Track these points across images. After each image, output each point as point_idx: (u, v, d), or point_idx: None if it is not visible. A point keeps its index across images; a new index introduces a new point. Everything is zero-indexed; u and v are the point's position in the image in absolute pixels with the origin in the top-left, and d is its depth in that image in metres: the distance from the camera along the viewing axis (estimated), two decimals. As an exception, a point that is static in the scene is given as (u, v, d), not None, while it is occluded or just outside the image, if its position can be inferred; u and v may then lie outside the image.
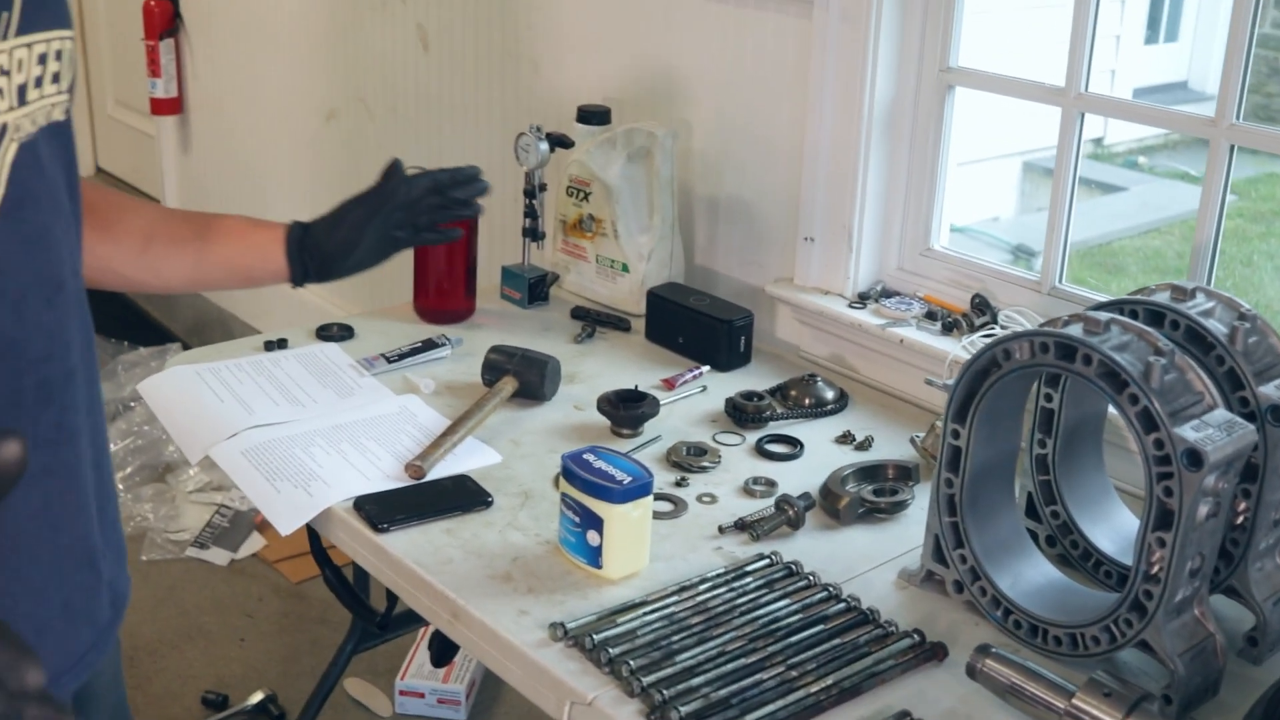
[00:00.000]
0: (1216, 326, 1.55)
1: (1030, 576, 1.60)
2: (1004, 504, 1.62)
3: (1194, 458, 1.37)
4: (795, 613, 1.57)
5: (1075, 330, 1.48)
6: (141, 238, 1.62)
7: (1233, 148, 1.94)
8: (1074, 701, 1.36)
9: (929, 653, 1.51)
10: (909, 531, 1.75)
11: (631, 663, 1.45)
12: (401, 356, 2.20)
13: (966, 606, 1.60)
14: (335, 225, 1.84)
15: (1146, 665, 1.48)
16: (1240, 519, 1.54)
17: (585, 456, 1.65)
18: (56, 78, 1.15)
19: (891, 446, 1.98)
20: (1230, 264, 5.64)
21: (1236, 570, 1.55)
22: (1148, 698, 1.35)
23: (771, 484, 1.85)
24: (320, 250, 1.81)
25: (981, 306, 2.14)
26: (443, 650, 2.55)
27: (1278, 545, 1.58)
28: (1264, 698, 1.33)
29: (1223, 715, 1.40)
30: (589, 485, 1.62)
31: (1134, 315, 1.57)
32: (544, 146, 2.40)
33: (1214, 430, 1.40)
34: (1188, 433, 1.38)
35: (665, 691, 1.41)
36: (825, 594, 1.61)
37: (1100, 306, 1.59)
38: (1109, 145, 6.85)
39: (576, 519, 1.63)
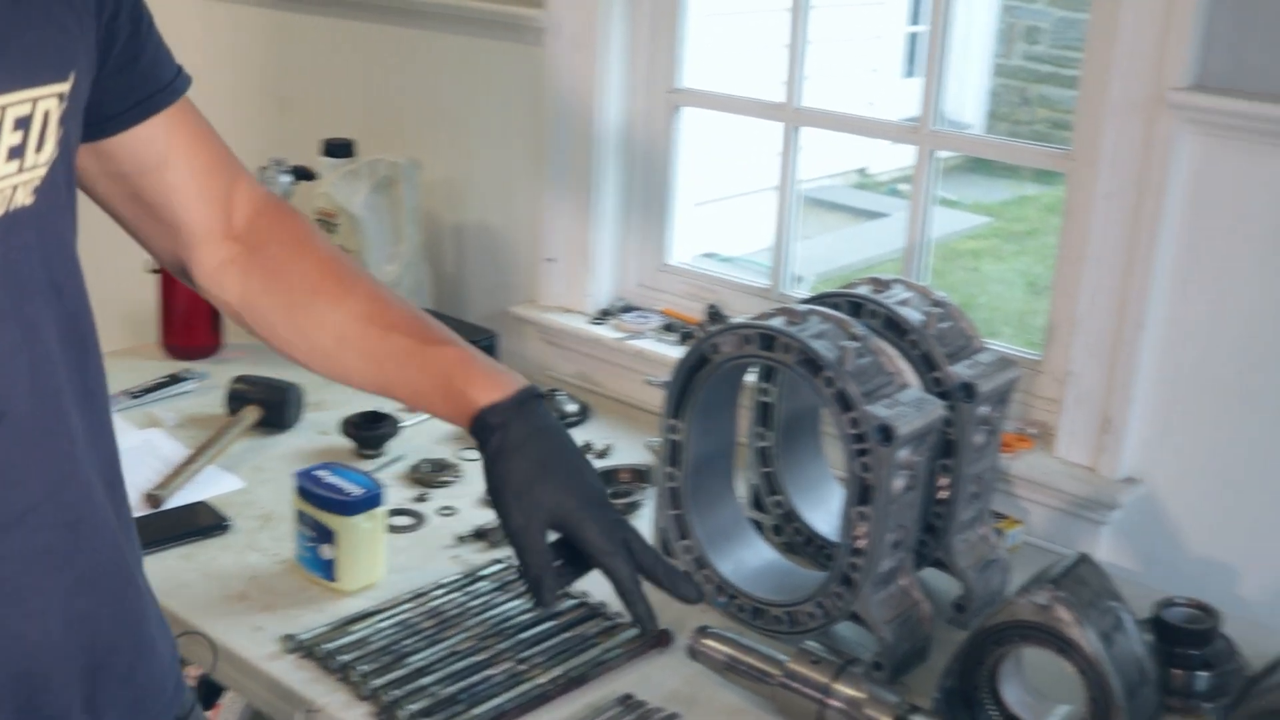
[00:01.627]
0: (911, 314, 1.64)
1: (751, 561, 1.66)
2: (725, 494, 1.69)
3: (886, 433, 1.45)
4: (527, 611, 1.61)
5: (777, 322, 1.55)
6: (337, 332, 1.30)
7: (932, 153, 2.04)
8: (786, 669, 1.43)
9: (654, 640, 1.56)
10: (641, 530, 1.79)
11: (362, 668, 1.48)
12: (145, 392, 2.19)
13: (694, 595, 1.66)
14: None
15: (861, 636, 1.55)
16: (942, 494, 1.63)
17: (317, 473, 1.67)
18: (18, 151, 0.98)
19: (630, 453, 2.04)
20: (984, 281, 5.89)
21: (942, 542, 1.64)
22: (854, 662, 1.42)
23: (510, 493, 1.88)
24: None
25: (715, 315, 2.21)
26: (209, 692, 2.52)
27: (979, 517, 1.68)
28: (958, 654, 1.41)
29: (933, 678, 1.47)
30: (321, 499, 1.64)
31: (837, 307, 1.65)
32: (286, 179, 2.42)
33: (905, 407, 1.49)
34: (880, 410, 1.47)
35: (394, 692, 1.44)
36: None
37: (808, 301, 1.67)
38: (873, 174, 7.11)
39: (311, 534, 1.65)
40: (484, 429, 1.25)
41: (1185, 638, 1.54)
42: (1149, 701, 1.38)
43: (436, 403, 1.29)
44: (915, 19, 7.95)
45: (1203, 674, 1.52)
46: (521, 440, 1.25)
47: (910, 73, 7.65)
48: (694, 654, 1.50)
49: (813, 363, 1.50)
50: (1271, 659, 1.32)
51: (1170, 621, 1.55)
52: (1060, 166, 1.92)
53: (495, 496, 1.26)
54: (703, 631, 1.50)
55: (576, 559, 1.26)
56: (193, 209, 1.27)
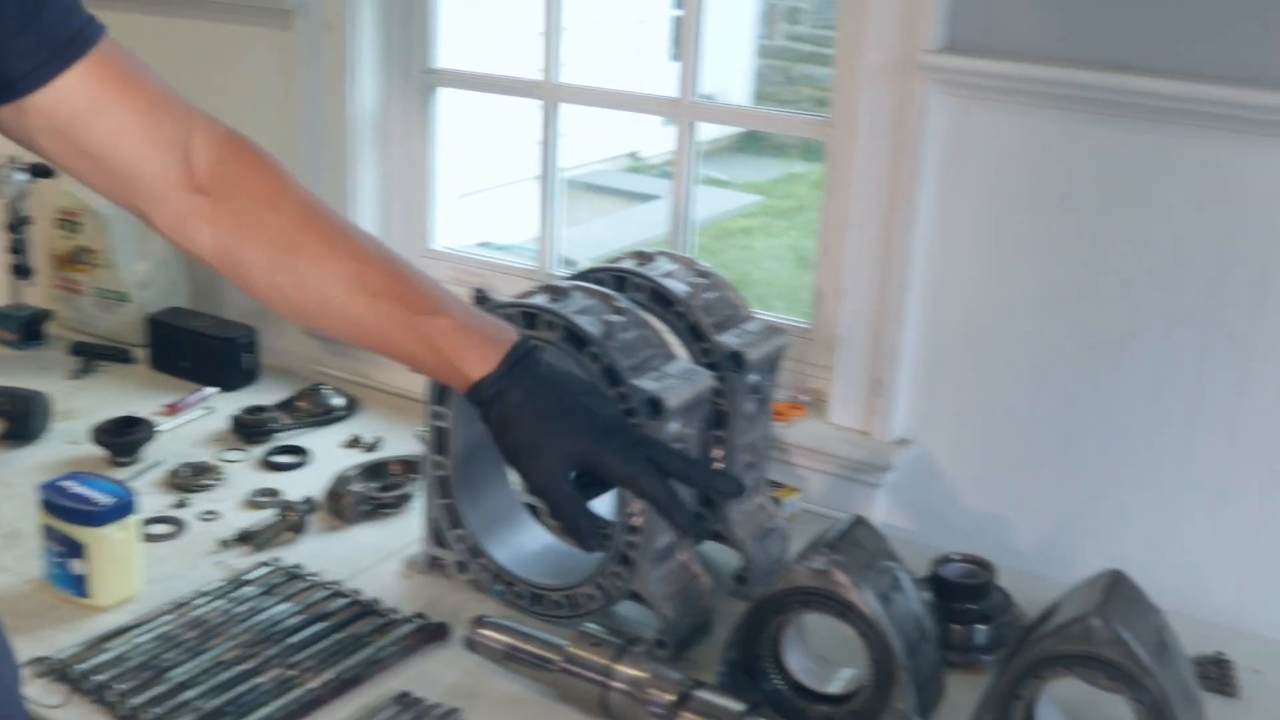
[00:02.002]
0: (677, 285, 1.61)
1: (528, 546, 1.62)
2: (496, 480, 1.64)
3: (655, 406, 1.42)
4: (296, 614, 1.54)
5: (539, 299, 1.51)
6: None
7: (693, 125, 2.02)
8: (567, 654, 1.39)
9: (431, 633, 1.51)
10: (415, 522, 1.74)
11: (119, 687, 1.39)
12: (-126, 411, 2.04)
13: (472, 585, 1.61)
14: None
15: (643, 615, 1.52)
16: (717, 465, 1.61)
17: (62, 483, 1.57)
18: None
19: (402, 444, 1.98)
20: (757, 257, 5.96)
21: (720, 514, 1.62)
22: (636, 641, 1.39)
23: (274, 494, 1.81)
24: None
25: (482, 298, 2.16)
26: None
27: (756, 487, 1.66)
28: (739, 625, 1.39)
29: (717, 652, 1.45)
30: (67, 511, 1.54)
31: (601, 283, 1.61)
32: (22, 178, 2.28)
33: (674, 379, 1.46)
34: (648, 384, 1.44)
35: (154, 710, 1.36)
36: (328, 592, 1.59)
37: (572, 277, 1.64)
38: (644, 158, 7.13)
39: (59, 549, 1.55)
40: (480, 403, 1.25)
41: (962, 593, 1.55)
42: (930, 658, 1.38)
43: (428, 370, 1.30)
44: (679, 3, 7.98)
45: (981, 627, 1.53)
46: (520, 402, 1.24)
47: (676, 55, 7.67)
48: (471, 645, 1.45)
49: (577, 338, 1.46)
50: (1045, 607, 1.33)
51: (947, 577, 1.56)
52: (821, 134, 1.92)
53: (512, 463, 1.26)
54: (480, 621, 1.45)
55: (602, 485, 1.27)
56: (145, 156, 1.18)
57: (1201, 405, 1.67)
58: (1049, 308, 1.72)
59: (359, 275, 1.23)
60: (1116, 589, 1.29)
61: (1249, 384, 1.64)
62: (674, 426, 1.45)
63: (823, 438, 1.86)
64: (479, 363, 1.24)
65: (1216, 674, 1.50)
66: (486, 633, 1.44)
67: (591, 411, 1.26)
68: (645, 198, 6.48)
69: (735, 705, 1.31)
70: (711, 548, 1.65)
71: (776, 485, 1.82)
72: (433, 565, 1.64)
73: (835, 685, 1.40)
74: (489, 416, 1.26)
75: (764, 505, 1.67)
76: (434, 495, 1.61)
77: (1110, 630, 1.23)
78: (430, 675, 1.46)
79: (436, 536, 1.62)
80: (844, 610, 1.33)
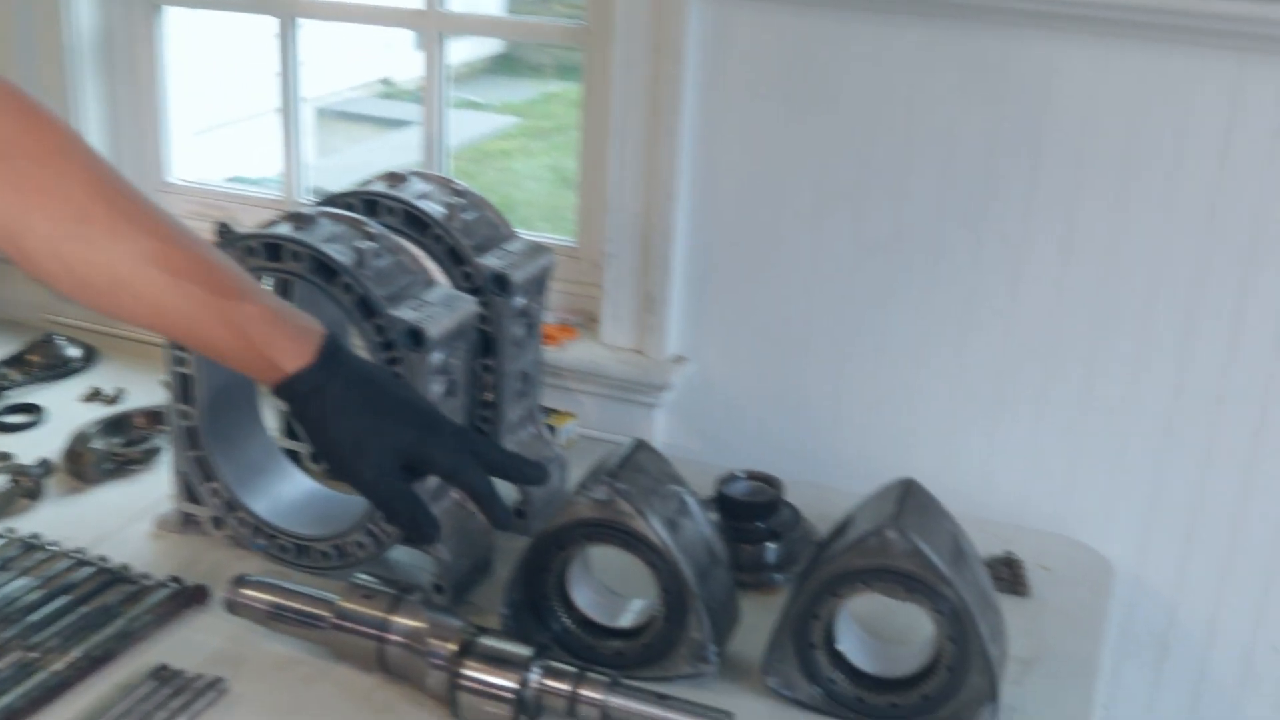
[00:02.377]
0: (433, 207, 1.51)
1: (289, 495, 1.51)
2: (250, 427, 1.52)
3: (415, 337, 1.32)
4: (36, 589, 1.40)
5: (283, 228, 1.40)
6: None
7: (441, 35, 1.91)
8: (338, 609, 1.29)
9: (188, 598, 1.39)
10: (164, 478, 1.61)
11: None
12: None
13: (230, 542, 1.50)
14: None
15: (418, 560, 1.43)
16: (487, 395, 1.53)
17: None
18: None
19: (146, 394, 1.83)
20: (518, 179, 5.85)
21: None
22: (411, 589, 1.30)
23: (5, 458, 1.65)
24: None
25: (225, 232, 2.02)
26: None
27: (529, 416, 1.58)
28: (521, 563, 1.31)
29: (496, 592, 1.37)
30: None
31: (351, 208, 1.50)
32: None
33: (434, 307, 1.36)
34: (406, 313, 1.34)
35: (-126, 709, 1.21)
36: (70, 562, 1.45)
37: (319, 204, 1.52)
38: (397, 83, 6.92)
39: None
40: (295, 397, 1.19)
41: (750, 511, 1.50)
42: (723, 582, 1.32)
43: (234, 360, 1.18)
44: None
45: (771, 545, 1.49)
46: (340, 397, 1.18)
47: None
48: (233, 607, 1.34)
49: (326, 269, 1.35)
50: (838, 521, 1.28)
51: (733, 496, 1.51)
52: (577, 41, 1.82)
53: (332, 461, 1.22)
54: (240, 581, 1.34)
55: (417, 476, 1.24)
56: None
57: (976, 306, 1.65)
58: (820, 212, 1.68)
59: (160, 252, 1.11)
60: (909, 499, 1.25)
61: (1021, 284, 1.62)
62: (437, 357, 1.35)
63: (596, 359, 1.78)
64: (294, 354, 1.17)
65: (1008, 575, 1.49)
66: (249, 593, 1.33)
67: (412, 405, 1.23)
68: (400, 124, 6.29)
69: (521, 650, 1.23)
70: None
71: (551, 412, 1.74)
72: (186, 523, 1.52)
73: (626, 619, 1.33)
74: (304, 413, 1.20)
75: (539, 434, 1.59)
76: (182, 447, 1.48)
77: (907, 541, 1.19)
78: (190, 644, 1.34)
79: (188, 492, 1.50)
80: (631, 541, 1.26)
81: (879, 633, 1.31)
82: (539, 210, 5.38)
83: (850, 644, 1.27)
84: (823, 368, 1.72)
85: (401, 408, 1.22)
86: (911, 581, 1.19)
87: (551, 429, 1.68)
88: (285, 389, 1.19)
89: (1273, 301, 1.54)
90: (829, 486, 1.63)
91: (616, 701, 1.19)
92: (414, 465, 1.21)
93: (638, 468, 1.31)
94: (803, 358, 1.73)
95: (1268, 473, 1.60)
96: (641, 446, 1.35)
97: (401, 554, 1.44)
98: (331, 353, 1.19)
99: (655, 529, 1.25)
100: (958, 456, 1.70)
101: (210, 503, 1.49)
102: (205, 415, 1.46)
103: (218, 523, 1.50)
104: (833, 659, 1.26)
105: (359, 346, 1.36)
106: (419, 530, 1.22)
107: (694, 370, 1.78)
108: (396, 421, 1.20)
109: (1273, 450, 1.59)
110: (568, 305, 1.87)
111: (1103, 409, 1.63)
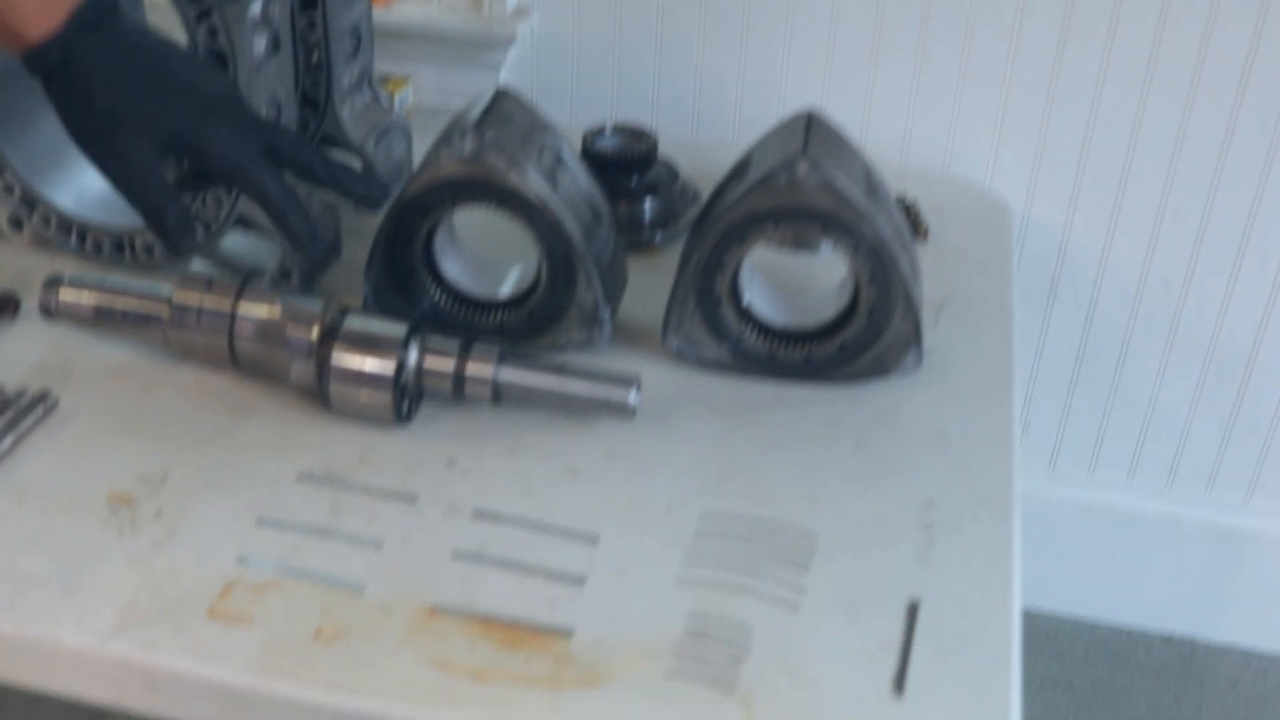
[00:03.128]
0: None
1: (99, 185, 1.31)
2: (43, 107, 1.31)
3: (231, -19, 1.13)
4: None
5: None
6: None
7: None
8: (175, 305, 1.12)
9: (-6, 308, 1.21)
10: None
11: None
12: None
13: (35, 243, 1.31)
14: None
15: (256, 246, 1.27)
16: (316, 57, 1.34)
17: None
18: None
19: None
20: None
21: (328, 116, 1.35)
22: (256, 275, 1.14)
23: None
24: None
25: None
26: None
27: (362, 80, 1.40)
28: (379, 238, 1.16)
29: (353, 273, 1.22)
30: None
31: None
32: None
33: (250, -52, 1.16)
34: (218, -46, 1.13)
35: None
36: None
37: None
38: None
39: None
40: (41, 70, 1.03)
41: (623, 165, 1.36)
42: (608, 240, 1.19)
43: None
44: None
45: (649, 201, 1.35)
46: (93, 68, 1.02)
47: None
48: (49, 312, 1.16)
49: (116, -93, 1.13)
50: (735, 162, 1.15)
51: (603, 151, 1.37)
52: None
53: (84, 147, 1.04)
54: (55, 282, 1.16)
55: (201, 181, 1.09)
56: None
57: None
58: None
59: None
60: (815, 131, 1.12)
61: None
62: (257, 9, 1.16)
63: (430, 17, 1.60)
64: (38, 20, 1.01)
65: (909, 218, 1.38)
66: (68, 292, 1.15)
67: (190, 83, 1.06)
68: None
69: (395, 328, 1.08)
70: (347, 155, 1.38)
71: (383, 80, 1.55)
72: (-20, 228, 1.32)
73: (505, 288, 1.20)
74: (53, 89, 1.04)
75: (376, 98, 1.42)
76: (-44, 137, 1.27)
77: (819, 175, 1.06)
78: (7, 358, 1.16)
79: (-27, 189, 1.30)
80: (505, 198, 1.11)
81: (782, 285, 1.20)
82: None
83: (757, 296, 1.15)
84: (686, 8, 1.56)
85: (178, 88, 1.05)
86: (827, 219, 1.07)
87: (389, 95, 1.50)
88: (32, 61, 1.02)
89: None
90: (702, 140, 1.50)
91: (509, 376, 1.07)
92: (188, 155, 1.05)
93: (505, 118, 1.15)
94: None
95: (1159, 97, 1.51)
96: (505, 95, 1.19)
97: (236, 242, 1.27)
98: (91, 19, 1.02)
99: (533, 183, 1.11)
100: (836, 100, 1.57)
101: (5, 201, 1.29)
102: (-13, 98, 1.25)
103: (15, 223, 1.30)
104: (739, 314, 1.14)
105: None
106: (164, 230, 1.05)
107: (539, 22, 1.61)
108: (163, 98, 1.03)
109: (1166, 75, 1.50)
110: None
111: (988, 40, 1.52)
